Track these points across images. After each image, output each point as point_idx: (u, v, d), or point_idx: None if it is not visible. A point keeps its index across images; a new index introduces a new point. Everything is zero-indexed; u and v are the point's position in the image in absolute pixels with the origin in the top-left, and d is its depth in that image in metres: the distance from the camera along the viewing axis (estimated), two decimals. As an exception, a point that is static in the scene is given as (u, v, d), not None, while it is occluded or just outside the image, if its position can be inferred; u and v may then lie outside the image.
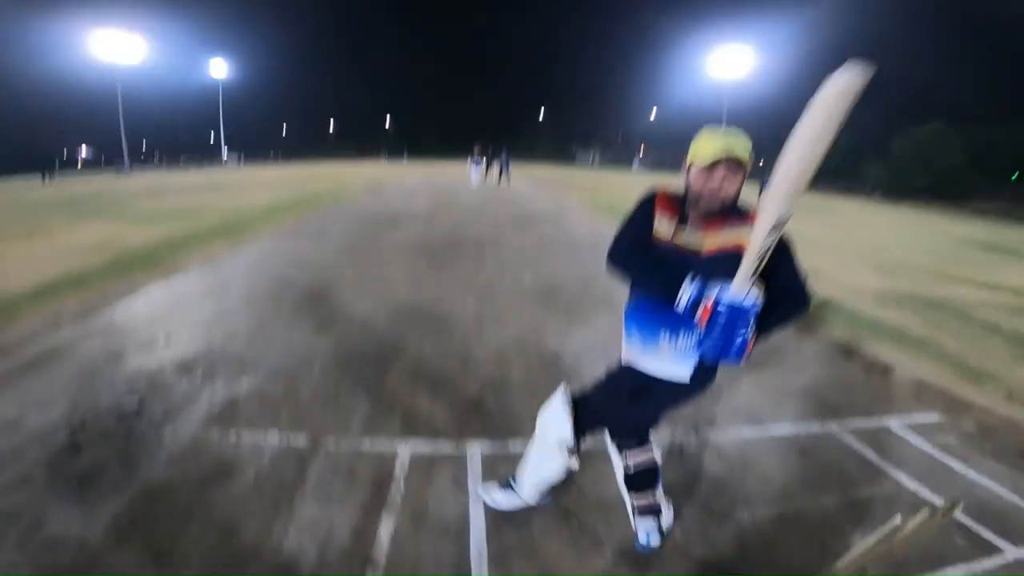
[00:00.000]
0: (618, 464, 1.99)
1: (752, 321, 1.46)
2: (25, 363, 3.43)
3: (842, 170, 53.51)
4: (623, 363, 1.80)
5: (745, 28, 64.12)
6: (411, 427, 2.73)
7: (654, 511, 1.96)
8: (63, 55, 52.02)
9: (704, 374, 1.70)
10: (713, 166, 1.56)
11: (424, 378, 3.29)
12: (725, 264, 1.52)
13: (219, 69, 73.71)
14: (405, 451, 2.50)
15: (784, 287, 1.58)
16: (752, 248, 1.46)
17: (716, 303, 1.45)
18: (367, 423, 2.75)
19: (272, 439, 2.56)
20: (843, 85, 1.36)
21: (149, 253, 6.80)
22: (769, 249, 1.46)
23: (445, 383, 3.23)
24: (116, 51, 51.22)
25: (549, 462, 1.94)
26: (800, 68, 62.80)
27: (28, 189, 29.96)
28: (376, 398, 3.01)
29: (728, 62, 61.82)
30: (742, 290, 1.45)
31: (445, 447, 2.56)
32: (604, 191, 20.60)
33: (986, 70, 52.87)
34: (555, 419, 1.88)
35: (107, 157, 78.02)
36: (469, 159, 20.73)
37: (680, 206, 1.67)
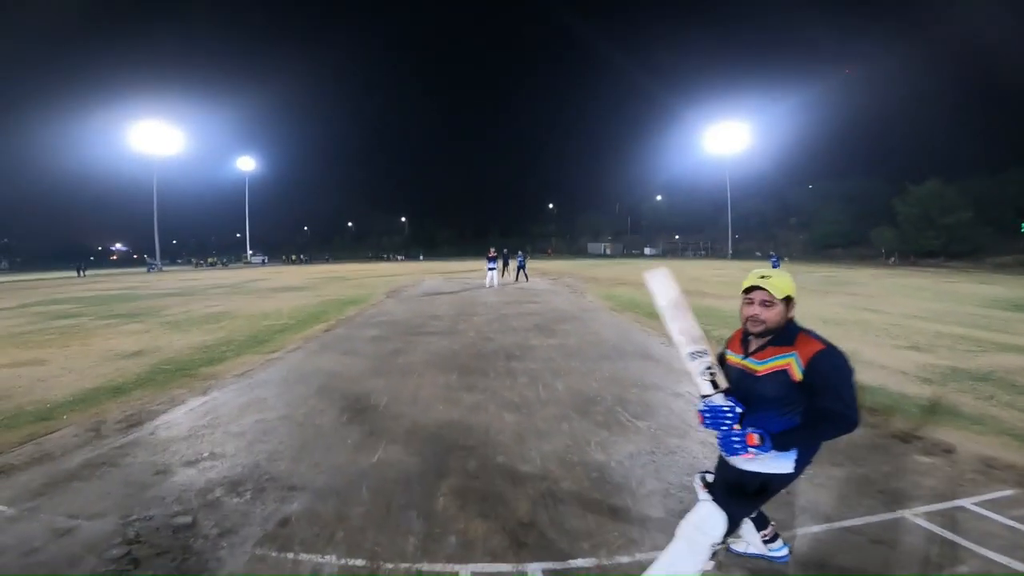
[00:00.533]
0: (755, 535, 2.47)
1: (733, 419, 1.90)
2: (72, 472, 3.46)
3: (854, 238, 54.54)
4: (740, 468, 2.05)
5: (740, 105, 68.76)
6: (467, 549, 2.65)
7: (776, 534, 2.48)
8: (103, 147, 56.49)
9: (801, 463, 2.00)
10: (748, 292, 2.05)
11: (473, 496, 3.22)
12: (776, 382, 1.93)
13: (246, 164, 79.30)
14: (466, 574, 2.40)
15: (826, 408, 1.83)
16: (689, 367, 2.07)
17: (701, 407, 2.01)
18: (422, 546, 2.67)
19: (330, 563, 2.49)
20: (661, 276, 2.25)
21: (184, 363, 6.95)
22: (708, 369, 2.03)
23: (495, 501, 3.16)
24: (153, 142, 55.85)
25: (689, 565, 2.02)
26: (795, 142, 66.36)
27: (61, 285, 31.82)
28: (427, 519, 2.95)
29: (726, 137, 65.57)
30: (709, 395, 1.99)
31: (505, 569, 2.46)
32: (622, 286, 20.83)
33: (977, 123, 55.05)
34: (709, 524, 2.00)
35: (139, 253, 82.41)
36: (486, 262, 21.79)
37: (745, 336, 2.12)
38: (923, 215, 44.98)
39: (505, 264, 25.05)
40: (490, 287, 20.05)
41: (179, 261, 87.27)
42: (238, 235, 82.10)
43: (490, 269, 22.54)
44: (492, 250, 22.88)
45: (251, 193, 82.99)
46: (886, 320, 10.37)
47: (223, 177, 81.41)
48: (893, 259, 46.64)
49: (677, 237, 78.76)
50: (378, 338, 9.14)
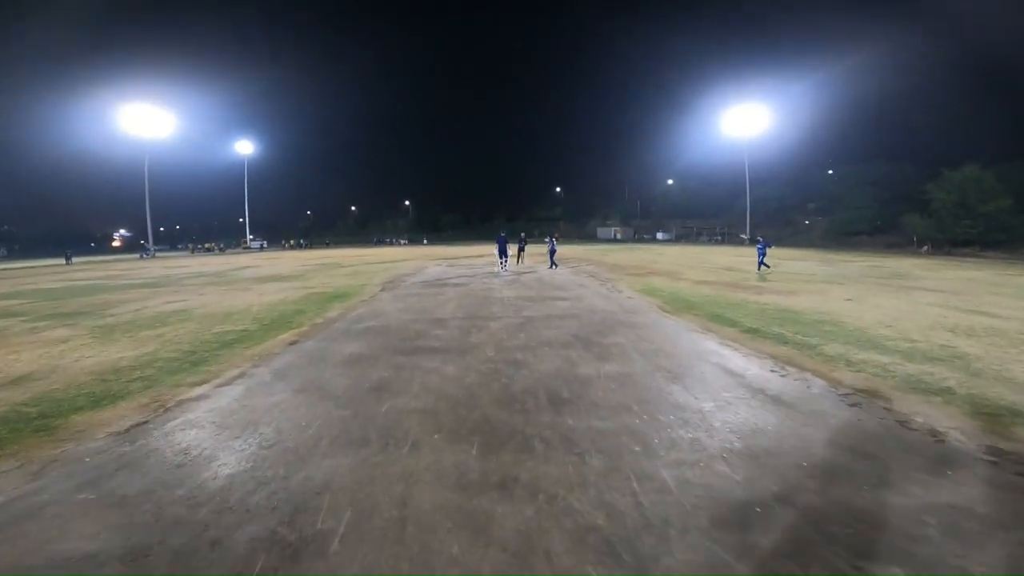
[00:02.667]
0: None
1: None
2: None
3: (880, 225, 51.49)
4: None
5: (760, 87, 65.24)
6: None
7: None
8: (104, 134, 54.99)
9: None
10: None
11: None
12: None
13: (245, 147, 77.33)
14: None
15: None
16: None
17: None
18: None
19: None
20: None
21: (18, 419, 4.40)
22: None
23: None
24: (148, 126, 54.41)
25: None
26: (815, 124, 62.84)
27: (41, 274, 29.53)
28: None
29: (743, 121, 62.27)
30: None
31: None
32: (653, 275, 18.04)
33: (1012, 106, 51.54)
34: None
35: (143, 238, 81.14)
36: (496, 251, 21.14)
37: None
38: (960, 202, 42.00)
39: (521, 250, 22.74)
40: (503, 271, 19.12)
41: (179, 246, 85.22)
42: (241, 220, 79.93)
43: (500, 255, 20.92)
44: (501, 237, 21.39)
45: (254, 177, 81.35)
46: (975, 322, 8.45)
47: (227, 161, 79.36)
48: (926, 248, 43.65)
49: (689, 224, 75.59)
50: (358, 359, 6.51)
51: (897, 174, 53.39)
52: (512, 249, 22.56)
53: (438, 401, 4.86)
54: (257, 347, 7.45)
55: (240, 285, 16.84)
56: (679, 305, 10.54)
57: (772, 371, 5.81)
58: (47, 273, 29.76)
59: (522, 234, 25.72)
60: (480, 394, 5.04)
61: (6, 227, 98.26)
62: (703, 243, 63.95)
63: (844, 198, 55.46)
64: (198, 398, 5.11)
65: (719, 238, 68.28)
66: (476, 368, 5.97)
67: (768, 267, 19.28)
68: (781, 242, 54.63)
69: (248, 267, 27.79)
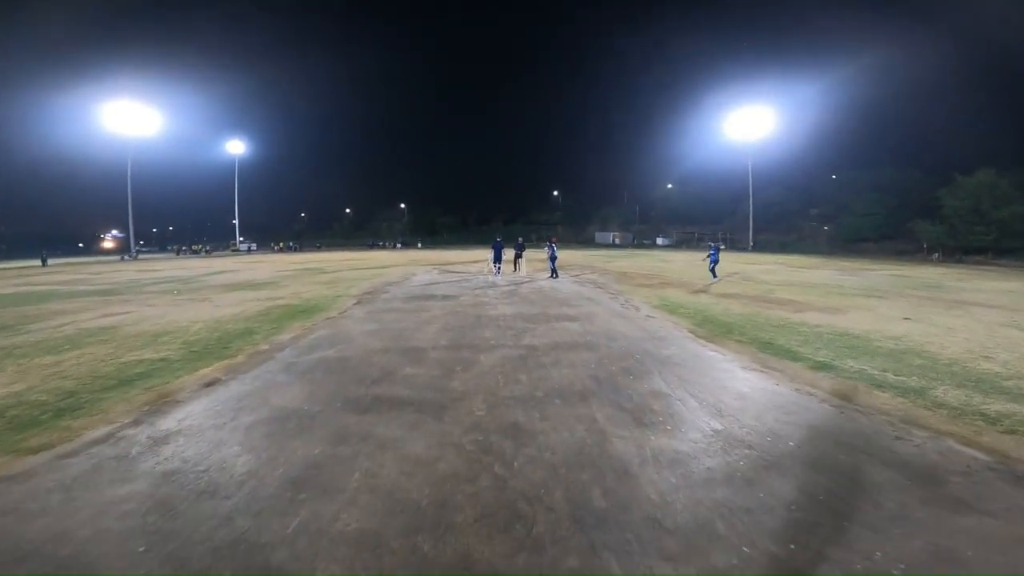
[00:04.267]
0: None
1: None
2: None
3: (887, 232, 49.94)
4: None
5: (764, 89, 63.59)
6: None
7: None
8: (88, 130, 53.32)
9: None
10: None
11: None
12: None
13: (236, 147, 75.55)
14: None
15: None
16: None
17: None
18: None
19: None
20: None
21: None
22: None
23: None
24: (132, 124, 52.97)
25: None
26: (820, 129, 61.29)
27: (8, 277, 27.35)
28: None
29: (746, 124, 60.62)
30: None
31: None
32: (668, 287, 16.06)
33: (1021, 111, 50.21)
34: None
35: (133, 240, 79.28)
36: (490, 259, 20.78)
37: None
38: (974, 208, 40.70)
39: (518, 256, 21.41)
40: (498, 279, 17.84)
41: (169, 248, 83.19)
42: (234, 221, 77.99)
43: (495, 261, 19.89)
44: (496, 244, 20.45)
45: (248, 179, 79.87)
46: None
47: (221, 162, 77.72)
48: (937, 255, 42.19)
49: (690, 229, 73.97)
50: (285, 418, 4.52)
51: (906, 180, 52.02)
52: (508, 255, 20.94)
53: (387, 517, 2.90)
54: (161, 387, 5.48)
55: (201, 294, 14.81)
56: (714, 328, 8.59)
57: (898, 438, 3.92)
58: (12, 276, 27.56)
59: (519, 239, 23.83)
60: (459, 502, 3.07)
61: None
62: (704, 249, 62.28)
63: (850, 204, 54.16)
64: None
65: (721, 244, 66.62)
66: (456, 442, 3.99)
67: (715, 277, 17.61)
68: (785, 249, 53.13)
69: (224, 272, 25.72)
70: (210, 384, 5.64)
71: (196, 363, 6.58)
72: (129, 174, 55.66)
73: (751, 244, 59.00)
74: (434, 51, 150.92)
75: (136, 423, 4.47)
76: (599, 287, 15.30)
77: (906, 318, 9.87)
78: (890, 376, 5.81)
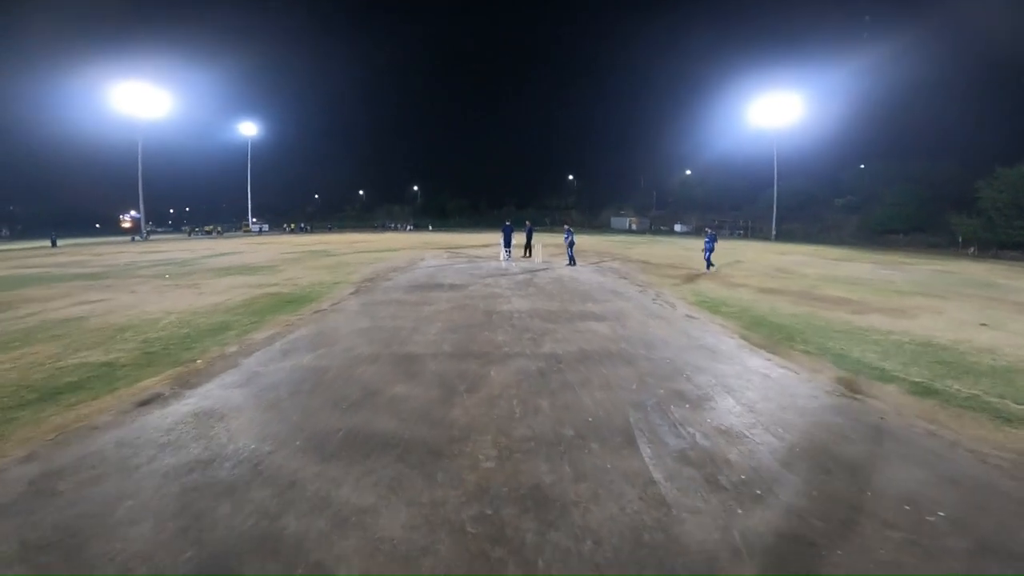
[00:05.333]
0: None
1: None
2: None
3: (918, 223, 47.62)
4: None
5: (792, 75, 60.68)
6: None
7: None
8: (105, 112, 53.01)
9: None
10: None
11: None
12: None
13: (249, 129, 74.89)
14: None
15: None
16: None
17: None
18: None
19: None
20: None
21: None
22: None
23: None
24: (146, 105, 52.93)
25: None
26: (849, 116, 58.38)
27: (9, 259, 26.75)
28: None
29: (771, 110, 57.93)
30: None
31: None
32: (702, 279, 14.57)
33: None
34: None
35: (151, 220, 79.65)
36: (500, 243, 19.96)
37: None
38: (1013, 202, 38.56)
39: (528, 241, 20.52)
40: (510, 265, 16.98)
41: (183, 228, 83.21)
42: (248, 203, 77.66)
43: (506, 246, 19.31)
44: (506, 228, 19.84)
45: (262, 160, 79.27)
46: None
47: (237, 143, 77.13)
48: (973, 249, 39.90)
49: (709, 216, 71.73)
50: (215, 468, 3.28)
51: (939, 171, 49.52)
52: (519, 239, 19.68)
53: None
54: (86, 404, 4.34)
55: (192, 279, 13.69)
56: (769, 333, 7.20)
57: None
58: (15, 258, 26.86)
59: (527, 223, 22.49)
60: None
61: (11, 207, 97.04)
62: (725, 237, 60.12)
63: (880, 194, 51.80)
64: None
65: (741, 232, 64.41)
66: (453, 518, 2.72)
67: (713, 266, 16.24)
68: (809, 239, 50.91)
69: (226, 253, 24.69)
70: (145, 403, 4.44)
71: (144, 370, 5.39)
72: (140, 155, 54.91)
73: (774, 233, 56.76)
74: (449, 32, 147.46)
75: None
76: (623, 277, 13.89)
77: (983, 324, 8.39)
78: (1012, 406, 4.47)
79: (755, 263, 19.74)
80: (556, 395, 4.56)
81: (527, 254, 20.25)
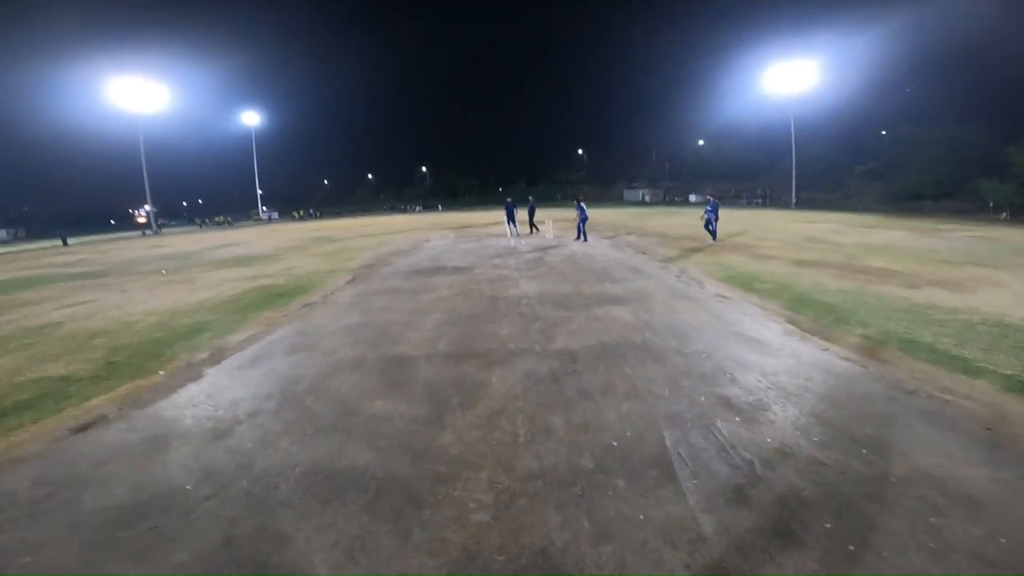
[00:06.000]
0: None
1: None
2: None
3: (946, 189, 45.37)
4: None
5: (810, 37, 57.67)
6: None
7: None
8: (108, 110, 53.14)
9: None
10: None
11: None
12: None
13: (251, 118, 74.34)
14: None
15: None
16: None
17: None
18: None
19: None
20: None
21: None
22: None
23: None
24: (148, 99, 52.81)
25: None
26: (870, 80, 55.33)
27: (15, 260, 26.62)
28: None
29: (788, 76, 55.16)
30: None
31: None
32: (728, 252, 13.42)
33: None
34: None
35: (165, 215, 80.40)
36: (505, 220, 19.91)
37: None
38: (1050, 164, 36.65)
39: (531, 216, 19.91)
40: (518, 242, 16.32)
41: (196, 220, 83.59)
42: (260, 192, 77.62)
43: (510, 222, 19.36)
44: (509, 204, 19.86)
45: (271, 149, 79.46)
46: None
47: (243, 134, 76.94)
48: (1005, 215, 37.83)
49: (725, 186, 69.53)
50: (116, 528, 2.51)
51: (967, 136, 46.90)
52: (521, 215, 19.46)
53: None
54: (13, 433, 3.64)
55: (188, 273, 13.07)
56: (816, 314, 6.25)
57: None
58: (27, 258, 26.67)
59: (530, 198, 21.76)
60: None
61: (26, 208, 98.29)
62: (742, 206, 58.11)
63: (904, 161, 49.45)
64: None
65: (759, 201, 62.25)
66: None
67: (714, 239, 15.31)
68: (831, 206, 48.78)
69: (230, 245, 24.14)
70: (83, 428, 3.74)
71: (99, 385, 4.69)
72: (143, 149, 54.70)
73: (794, 201, 54.61)
74: (457, 9, 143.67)
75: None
76: (641, 252, 12.91)
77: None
78: None
79: (781, 232, 18.53)
80: (571, 408, 3.72)
81: (532, 230, 19.55)
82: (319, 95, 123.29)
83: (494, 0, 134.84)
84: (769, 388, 4.01)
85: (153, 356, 5.58)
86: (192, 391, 4.39)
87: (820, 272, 9.43)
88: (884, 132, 56.53)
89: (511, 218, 19.29)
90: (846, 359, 4.64)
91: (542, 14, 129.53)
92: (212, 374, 4.79)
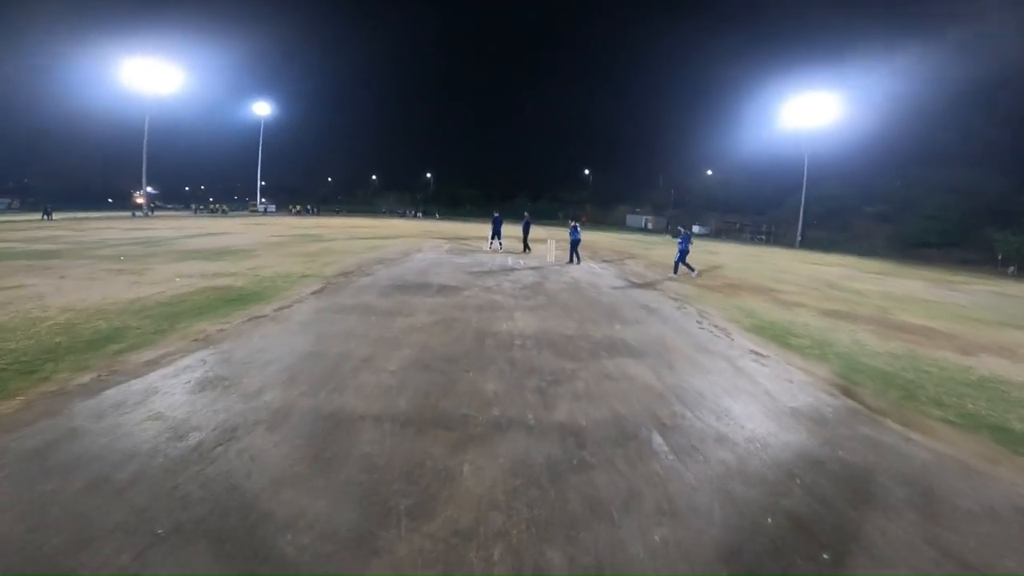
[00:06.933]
0: None
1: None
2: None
3: (955, 238, 44.62)
4: None
5: (828, 74, 57.30)
6: None
7: None
8: (119, 89, 52.22)
9: None
10: None
11: None
12: None
13: (262, 109, 73.49)
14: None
15: None
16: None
17: None
18: None
19: None
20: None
21: None
22: None
23: None
24: (157, 81, 51.97)
25: None
26: (886, 120, 54.97)
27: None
28: None
29: (804, 111, 54.59)
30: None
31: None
32: (746, 293, 12.15)
33: None
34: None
35: (166, 197, 79.12)
36: (490, 233, 20.00)
37: None
38: (1066, 217, 35.92)
39: (525, 234, 19.15)
40: (513, 261, 15.39)
41: (193, 206, 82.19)
42: (263, 183, 76.51)
43: (494, 236, 19.28)
44: (496, 218, 19.81)
45: (277, 141, 79.13)
46: None
47: (249, 123, 76.37)
48: (1012, 269, 37.04)
49: (730, 218, 68.91)
50: None
51: (983, 182, 46.23)
52: (512, 230, 19.47)
53: None
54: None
55: (145, 263, 11.67)
56: (878, 386, 5.01)
57: None
58: (4, 229, 25.09)
59: (526, 214, 20.74)
60: None
61: (26, 180, 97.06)
62: (745, 241, 57.32)
63: (915, 205, 48.75)
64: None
65: (763, 237, 61.56)
66: None
67: (692, 270, 13.92)
68: (836, 247, 48.15)
69: (210, 234, 22.74)
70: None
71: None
72: (146, 132, 53.46)
73: (799, 239, 53.89)
74: (469, 18, 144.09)
75: None
76: (650, 286, 11.66)
77: None
78: None
79: (795, 275, 17.39)
80: (578, 534, 2.41)
81: (525, 249, 18.55)
82: (329, 92, 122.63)
83: (513, 14, 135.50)
84: (859, 503, 2.73)
85: (28, 372, 4.22)
86: (27, 444, 3.02)
87: (856, 327, 8.22)
88: (899, 173, 56.00)
89: (496, 232, 19.24)
90: (941, 454, 3.38)
91: (563, 29, 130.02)
92: (72, 413, 3.42)
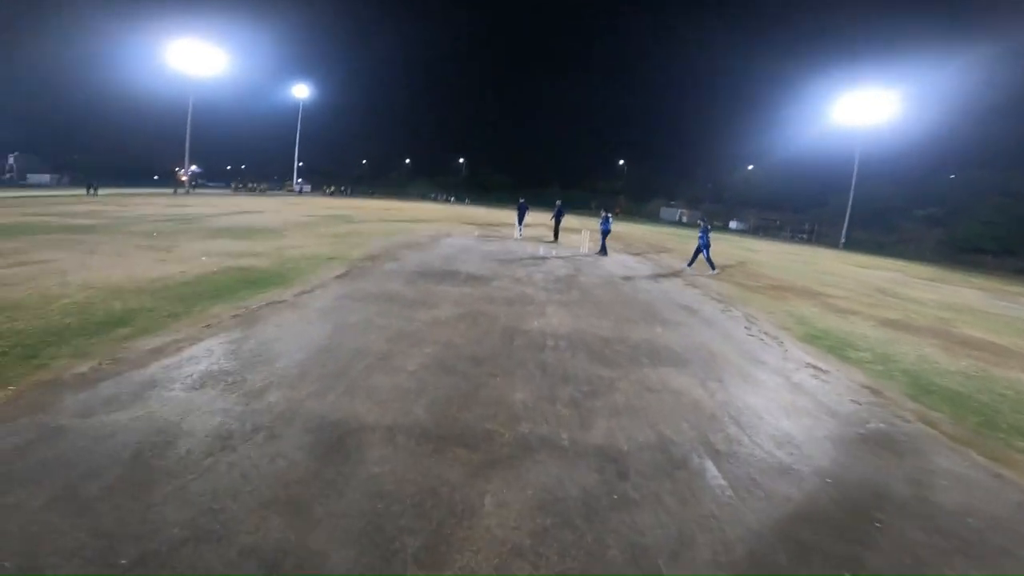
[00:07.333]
0: None
1: None
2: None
3: (1011, 245, 41.73)
4: None
5: (886, 69, 54.11)
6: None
7: None
8: (165, 72, 54.05)
9: None
10: None
11: None
12: None
13: (301, 91, 74.46)
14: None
15: None
16: None
17: None
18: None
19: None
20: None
21: None
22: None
23: None
24: (200, 64, 53.43)
25: None
26: (943, 119, 51.64)
27: (38, 205, 25.95)
28: None
29: (857, 108, 51.61)
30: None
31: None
32: (792, 296, 11.33)
33: None
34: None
35: (210, 176, 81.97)
36: (516, 219, 19.89)
37: None
38: None
39: (557, 222, 19.09)
40: (544, 251, 14.97)
41: (232, 184, 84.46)
42: (300, 164, 77.90)
43: (519, 223, 19.30)
44: (521, 204, 20.01)
45: (314, 122, 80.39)
46: None
47: (289, 105, 77.95)
48: (1074, 279, 34.33)
49: (769, 215, 66.47)
50: None
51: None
52: (534, 217, 19.90)
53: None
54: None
55: (175, 239, 11.65)
56: (955, 410, 4.39)
57: None
58: (43, 204, 25.88)
59: (557, 202, 20.25)
60: None
61: (75, 157, 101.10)
62: (786, 239, 55.08)
63: (969, 209, 45.83)
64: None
65: (804, 236, 59.09)
66: None
67: (714, 269, 13.13)
68: (882, 250, 45.59)
69: (242, 212, 22.89)
70: None
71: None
72: (190, 110, 54.80)
73: (843, 240, 51.41)
74: (507, 6, 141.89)
75: None
76: (690, 284, 11.00)
77: None
78: None
79: (841, 277, 16.35)
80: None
81: (556, 238, 18.35)
82: (366, 78, 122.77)
83: (554, 6, 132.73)
84: (955, 552, 2.20)
85: (28, 356, 3.99)
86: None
87: (918, 340, 7.46)
88: (953, 176, 52.90)
89: (521, 219, 19.35)
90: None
91: (601, 15, 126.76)
92: (59, 408, 3.13)
